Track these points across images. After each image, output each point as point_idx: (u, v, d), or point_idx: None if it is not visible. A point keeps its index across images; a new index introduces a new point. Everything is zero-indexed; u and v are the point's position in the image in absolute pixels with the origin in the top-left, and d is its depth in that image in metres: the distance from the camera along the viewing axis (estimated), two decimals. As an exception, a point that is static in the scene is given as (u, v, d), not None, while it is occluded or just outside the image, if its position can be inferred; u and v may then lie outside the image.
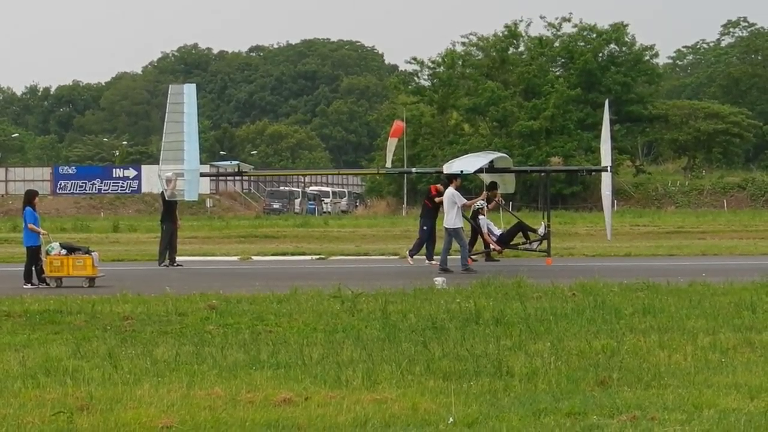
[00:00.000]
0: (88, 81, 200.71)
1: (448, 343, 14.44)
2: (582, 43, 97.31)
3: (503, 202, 35.16)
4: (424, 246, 32.13)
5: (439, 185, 32.32)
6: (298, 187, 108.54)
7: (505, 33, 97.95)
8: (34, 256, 25.31)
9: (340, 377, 12.31)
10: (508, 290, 20.77)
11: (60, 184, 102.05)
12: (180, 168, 31.15)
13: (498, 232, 33.06)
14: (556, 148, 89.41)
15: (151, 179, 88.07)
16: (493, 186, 33.37)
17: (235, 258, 36.28)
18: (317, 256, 36.10)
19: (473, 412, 10.56)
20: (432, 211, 31.88)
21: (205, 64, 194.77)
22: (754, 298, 18.56)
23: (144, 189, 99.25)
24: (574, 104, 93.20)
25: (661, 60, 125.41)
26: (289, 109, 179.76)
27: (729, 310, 17.32)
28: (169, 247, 32.04)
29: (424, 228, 31.69)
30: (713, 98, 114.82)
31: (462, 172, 30.21)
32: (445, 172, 30.60)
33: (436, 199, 31.59)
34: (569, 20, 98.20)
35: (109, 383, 12.14)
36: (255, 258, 36.22)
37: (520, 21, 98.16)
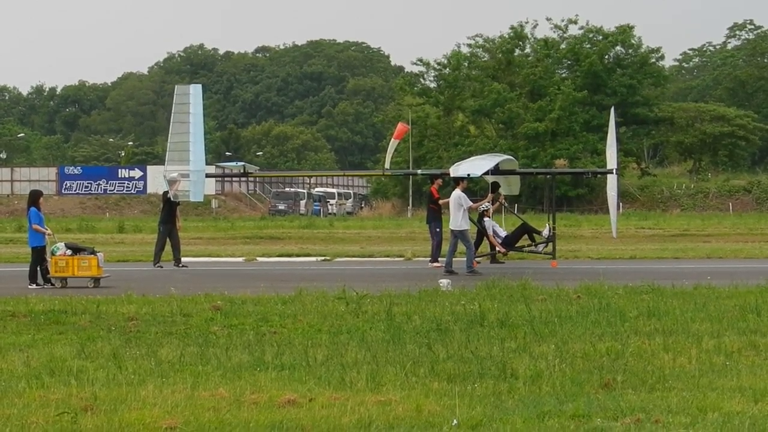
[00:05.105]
0: (94, 81, 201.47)
1: (453, 345, 14.44)
2: (588, 45, 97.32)
3: (506, 203, 35.16)
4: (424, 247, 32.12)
5: (436, 183, 32.34)
6: (303, 189, 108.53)
7: (511, 35, 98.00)
8: (39, 256, 25.32)
9: (345, 379, 12.31)
10: (512, 292, 20.76)
11: (65, 185, 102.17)
12: (186, 169, 31.16)
13: (503, 234, 33.04)
14: (561, 150, 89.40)
15: (157, 180, 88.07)
16: (495, 187, 33.38)
17: (240, 259, 36.30)
18: (322, 258, 36.10)
19: (477, 414, 10.56)
20: (439, 213, 31.87)
21: (211, 64, 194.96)
22: (759, 302, 18.54)
23: (149, 189, 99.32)
24: (579, 106, 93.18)
25: (667, 62, 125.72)
26: (295, 110, 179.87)
27: (734, 314, 17.30)
28: (173, 248, 32.08)
29: (437, 230, 31.63)
30: (719, 101, 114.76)
31: (469, 175, 30.21)
32: (451, 174, 30.60)
33: (441, 202, 31.58)
34: (575, 22, 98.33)
35: (114, 384, 12.15)
36: (260, 259, 36.23)
37: (526, 23, 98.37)
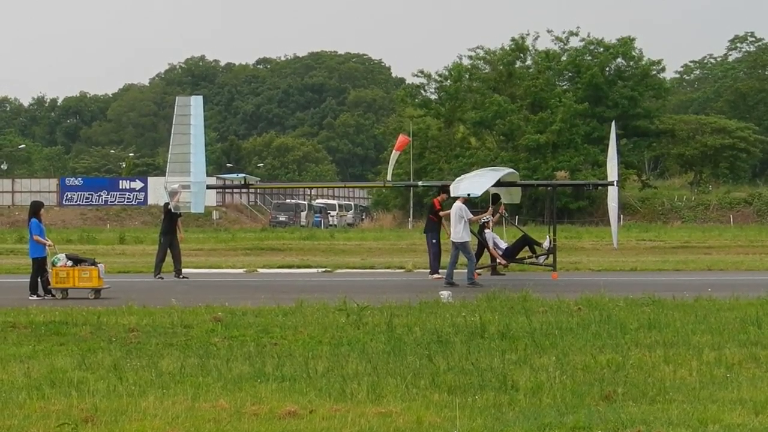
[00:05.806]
0: (95, 92, 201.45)
1: (453, 356, 14.44)
2: (589, 57, 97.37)
3: (507, 214, 35.15)
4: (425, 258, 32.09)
5: (441, 196, 32.32)
6: (304, 200, 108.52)
7: (512, 46, 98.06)
8: (39, 267, 25.32)
9: (345, 390, 12.31)
10: (513, 304, 20.76)
11: (66, 196, 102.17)
12: (186, 180, 31.19)
13: (504, 245, 33.03)
14: (562, 162, 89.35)
15: (158, 191, 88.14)
16: (496, 199, 33.39)
17: (241, 270, 36.28)
18: (323, 269, 36.11)
19: (478, 426, 10.55)
20: (437, 224, 31.89)
21: (212, 76, 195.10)
22: (760, 314, 18.55)
23: (150, 201, 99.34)
24: (580, 118, 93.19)
25: (668, 74, 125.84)
26: (296, 122, 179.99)
27: (734, 326, 17.30)
28: (174, 260, 32.06)
29: (434, 241, 31.62)
30: (720, 113, 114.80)
31: (469, 195, 30.03)
32: (452, 194, 30.48)
33: (441, 213, 31.58)
34: (576, 34, 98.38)
35: (114, 395, 12.15)
36: (261, 270, 36.21)
37: (527, 35, 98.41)
